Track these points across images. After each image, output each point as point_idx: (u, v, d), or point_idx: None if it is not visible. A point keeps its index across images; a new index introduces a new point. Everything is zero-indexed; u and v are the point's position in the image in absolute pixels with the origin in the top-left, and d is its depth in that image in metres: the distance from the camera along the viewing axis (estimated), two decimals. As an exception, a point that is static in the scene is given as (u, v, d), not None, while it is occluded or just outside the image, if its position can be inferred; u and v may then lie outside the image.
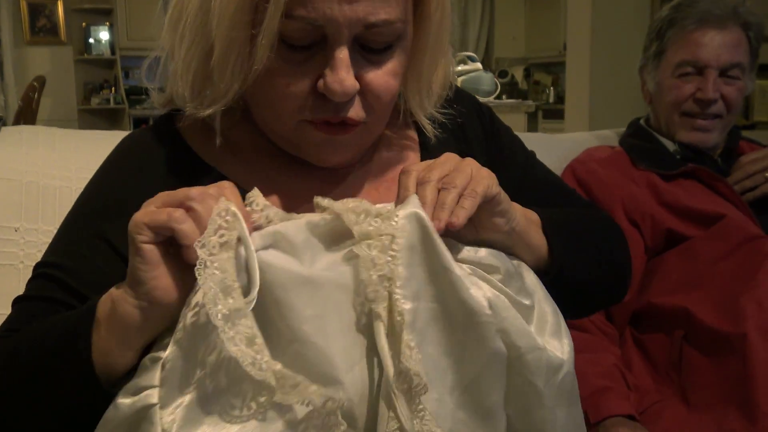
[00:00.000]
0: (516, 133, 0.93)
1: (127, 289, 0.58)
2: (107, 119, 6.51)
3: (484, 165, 0.80)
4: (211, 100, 0.70)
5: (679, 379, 1.19)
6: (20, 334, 0.67)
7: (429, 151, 0.82)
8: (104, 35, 6.36)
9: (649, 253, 1.31)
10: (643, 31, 3.55)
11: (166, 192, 0.59)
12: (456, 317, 0.60)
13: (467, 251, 0.64)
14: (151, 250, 0.56)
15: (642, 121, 1.53)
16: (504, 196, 0.67)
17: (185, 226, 0.56)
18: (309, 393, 0.53)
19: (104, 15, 6.35)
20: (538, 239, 0.73)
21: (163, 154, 0.76)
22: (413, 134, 0.84)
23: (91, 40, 6.34)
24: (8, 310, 0.95)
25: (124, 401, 0.56)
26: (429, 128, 0.80)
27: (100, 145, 1.09)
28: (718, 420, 1.10)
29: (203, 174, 0.74)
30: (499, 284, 0.63)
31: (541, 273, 0.71)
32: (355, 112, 0.69)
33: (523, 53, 8.08)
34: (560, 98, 6.50)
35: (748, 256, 1.21)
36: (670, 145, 1.43)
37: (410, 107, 0.79)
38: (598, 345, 1.21)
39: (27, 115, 3.95)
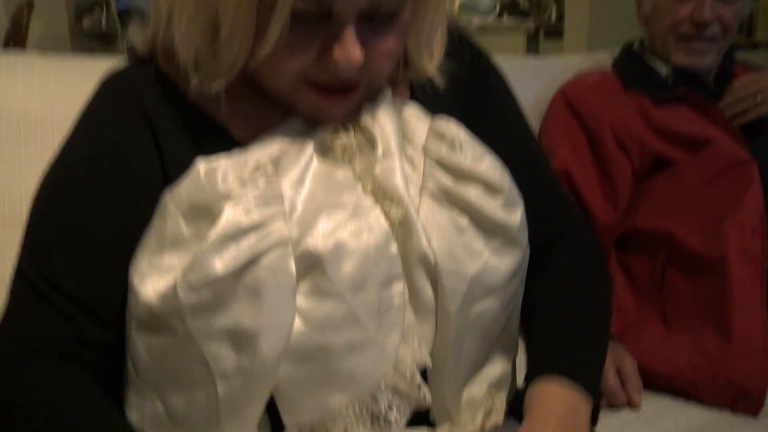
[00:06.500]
0: (512, 55, 0.89)
1: None
2: (101, 42, 6.38)
3: (460, 114, 0.78)
4: (215, 74, 0.68)
5: (660, 300, 1.22)
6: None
7: (418, 97, 0.80)
8: (93, -48, 6.15)
9: (636, 176, 1.32)
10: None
11: None
12: None
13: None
14: None
15: (636, 44, 1.51)
16: None
17: None
18: None
19: (93, -69, 6.13)
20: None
21: (156, 95, 0.72)
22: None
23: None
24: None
25: None
26: (433, 73, 0.77)
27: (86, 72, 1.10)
28: (694, 340, 1.14)
29: (197, 117, 0.72)
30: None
31: None
32: (357, 75, 0.67)
33: (525, -31, 7.87)
34: (563, 17, 6.36)
35: (734, 181, 1.21)
36: (664, 69, 1.41)
37: (412, 65, 0.76)
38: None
39: (17, 39, 3.89)
